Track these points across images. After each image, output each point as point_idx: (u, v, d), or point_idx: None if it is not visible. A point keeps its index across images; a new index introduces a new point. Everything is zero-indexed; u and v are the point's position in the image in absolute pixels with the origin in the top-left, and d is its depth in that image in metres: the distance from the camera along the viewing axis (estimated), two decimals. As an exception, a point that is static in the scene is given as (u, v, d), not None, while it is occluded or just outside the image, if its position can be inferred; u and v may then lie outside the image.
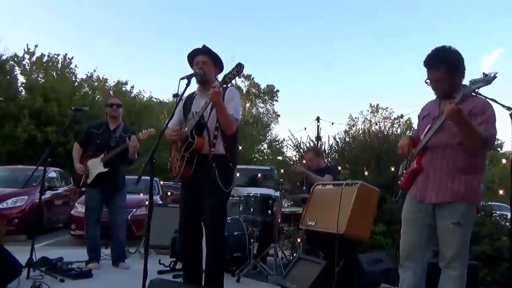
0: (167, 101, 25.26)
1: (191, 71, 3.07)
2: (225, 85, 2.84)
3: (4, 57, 17.28)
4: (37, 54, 18.28)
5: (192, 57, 3.13)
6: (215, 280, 2.98)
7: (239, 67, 2.70)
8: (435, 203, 2.39)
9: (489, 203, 4.93)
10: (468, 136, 2.27)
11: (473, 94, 2.31)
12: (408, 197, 2.57)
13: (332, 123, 9.12)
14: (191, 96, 3.19)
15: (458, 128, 2.29)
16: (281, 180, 5.36)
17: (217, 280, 3.00)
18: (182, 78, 2.79)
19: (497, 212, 4.81)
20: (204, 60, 3.07)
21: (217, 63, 3.18)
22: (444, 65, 2.40)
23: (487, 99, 2.40)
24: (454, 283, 2.32)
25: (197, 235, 3.08)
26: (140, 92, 23.87)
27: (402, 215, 2.58)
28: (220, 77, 3.13)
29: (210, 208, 2.95)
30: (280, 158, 17.81)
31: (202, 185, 2.98)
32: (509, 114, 3.15)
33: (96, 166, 4.43)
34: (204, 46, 3.15)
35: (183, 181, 3.12)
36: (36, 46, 18.31)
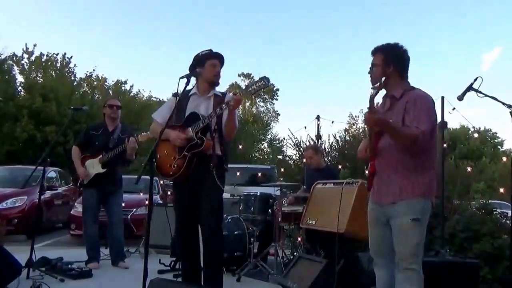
0: (167, 100, 25.09)
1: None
2: (247, 95, 2.91)
3: (2, 57, 17.26)
4: (36, 53, 18.27)
5: (207, 57, 3.11)
6: (214, 278, 3.00)
7: (265, 81, 2.69)
8: (390, 203, 2.39)
9: (489, 201, 4.92)
10: (394, 138, 2.31)
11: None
12: (370, 198, 2.59)
13: (332, 122, 9.06)
14: (186, 95, 3.16)
15: (384, 132, 2.33)
16: (281, 179, 5.35)
17: (217, 279, 3.01)
18: (182, 77, 2.79)
19: (498, 210, 4.79)
20: (219, 65, 3.14)
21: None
22: (381, 51, 2.48)
23: (420, 90, 2.40)
24: (413, 284, 2.30)
25: (195, 234, 3.10)
26: (140, 91, 23.45)
27: (367, 216, 2.60)
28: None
29: (209, 206, 2.98)
30: (280, 157, 17.83)
31: (200, 184, 3.00)
32: (510, 112, 3.13)
33: (93, 167, 4.42)
34: (211, 50, 3.16)
35: (179, 180, 3.11)
36: (35, 45, 18.31)
